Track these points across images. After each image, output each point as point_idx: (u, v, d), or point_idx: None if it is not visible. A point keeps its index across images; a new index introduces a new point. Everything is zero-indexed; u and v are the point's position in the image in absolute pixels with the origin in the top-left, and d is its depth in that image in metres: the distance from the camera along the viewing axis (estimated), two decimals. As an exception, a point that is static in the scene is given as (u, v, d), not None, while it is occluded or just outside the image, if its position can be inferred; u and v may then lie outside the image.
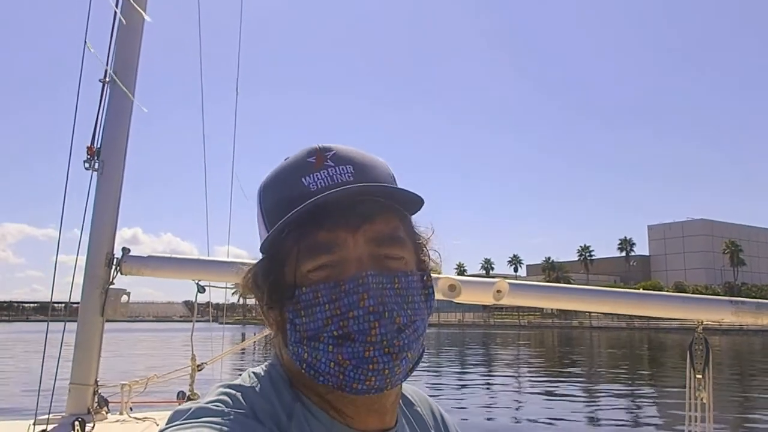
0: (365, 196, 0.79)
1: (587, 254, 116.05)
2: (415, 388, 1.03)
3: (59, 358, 2.27)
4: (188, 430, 0.70)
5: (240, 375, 0.85)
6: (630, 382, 21.58)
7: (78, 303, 2.36)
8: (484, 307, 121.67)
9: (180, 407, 0.75)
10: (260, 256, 0.84)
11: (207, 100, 2.72)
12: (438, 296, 2.27)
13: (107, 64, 2.03)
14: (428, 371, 24.74)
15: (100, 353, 2.39)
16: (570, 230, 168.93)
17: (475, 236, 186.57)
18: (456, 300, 2.33)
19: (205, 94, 2.66)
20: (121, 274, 2.32)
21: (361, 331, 0.74)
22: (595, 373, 25.27)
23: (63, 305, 2.55)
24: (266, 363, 0.87)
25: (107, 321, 2.35)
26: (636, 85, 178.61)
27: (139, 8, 2.06)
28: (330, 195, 0.76)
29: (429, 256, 0.88)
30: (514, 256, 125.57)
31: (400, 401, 0.94)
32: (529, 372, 25.75)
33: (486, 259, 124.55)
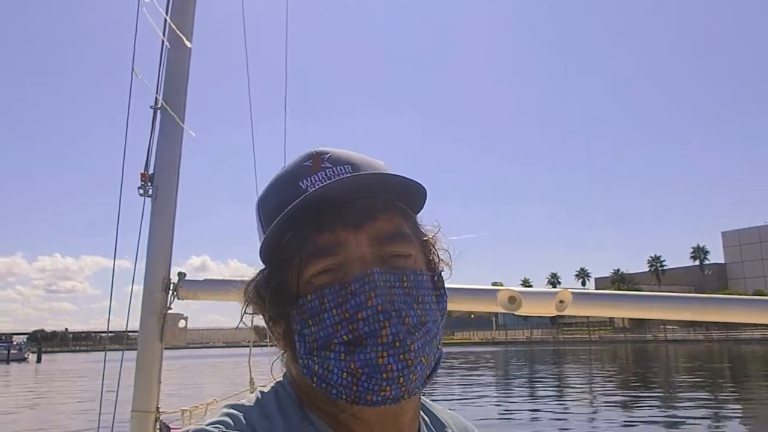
0: (364, 192, 0.75)
1: (658, 264, 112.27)
2: (454, 413, 0.97)
3: (118, 386, 2.30)
4: None
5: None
6: (713, 399, 20.49)
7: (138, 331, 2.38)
8: (553, 322, 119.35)
9: (182, 429, 0.73)
10: None
11: (257, 122, 2.74)
12: (498, 309, 2.19)
13: (156, 91, 2.06)
14: (496, 389, 24.25)
15: (160, 379, 2.40)
16: (639, 240, 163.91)
17: (539, 250, 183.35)
18: (517, 313, 2.23)
19: (254, 116, 2.68)
20: (178, 299, 2.33)
21: (372, 333, 0.70)
22: (674, 391, 24.13)
23: (125, 334, 2.59)
24: (275, 382, 0.84)
25: (171, 348, 2.37)
26: (697, 93, 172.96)
27: (181, 35, 2.08)
28: (325, 187, 0.73)
29: (438, 256, 0.83)
30: (582, 269, 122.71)
31: (428, 420, 0.89)
32: (603, 391, 24.82)
33: (552, 273, 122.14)
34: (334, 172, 0.79)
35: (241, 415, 0.75)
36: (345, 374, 0.71)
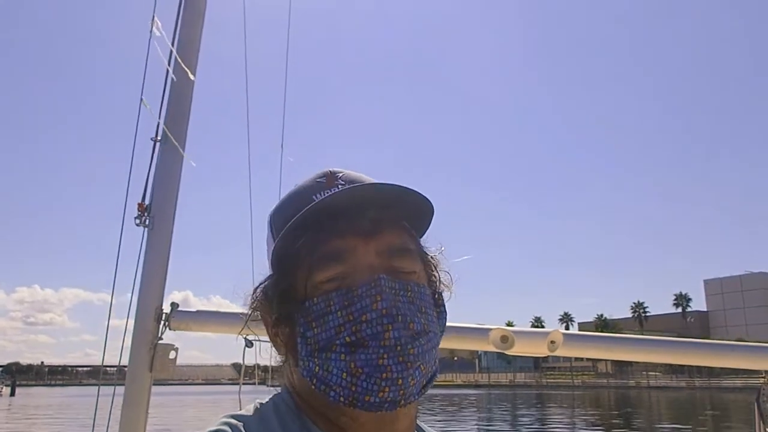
0: (375, 204, 0.78)
1: (641, 311, 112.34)
2: None
3: (108, 422, 2.27)
4: None
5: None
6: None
7: (125, 367, 2.36)
8: (536, 366, 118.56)
9: None
10: None
11: (254, 159, 2.77)
12: (490, 348, 2.20)
13: (159, 122, 2.09)
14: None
15: (147, 410, 2.37)
16: (622, 287, 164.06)
17: (523, 294, 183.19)
18: (508, 352, 2.24)
19: (252, 153, 2.71)
20: (170, 329, 2.31)
21: (375, 335, 0.71)
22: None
23: (114, 368, 2.56)
24: (275, 393, 0.85)
25: (156, 383, 2.34)
26: (684, 138, 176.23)
27: (186, 68, 2.12)
28: (337, 194, 0.76)
29: (439, 277, 0.86)
30: (565, 313, 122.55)
31: None
32: (586, 435, 24.55)
33: (536, 317, 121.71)
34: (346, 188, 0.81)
35: (240, 425, 0.76)
36: (344, 374, 0.72)
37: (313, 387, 0.75)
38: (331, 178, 0.84)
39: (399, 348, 0.71)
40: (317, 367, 0.74)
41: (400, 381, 0.71)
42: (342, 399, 0.73)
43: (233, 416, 0.78)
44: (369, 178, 0.85)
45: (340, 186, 0.82)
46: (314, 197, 0.81)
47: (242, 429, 0.75)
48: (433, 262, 0.86)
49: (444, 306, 0.84)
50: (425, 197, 0.79)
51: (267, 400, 0.83)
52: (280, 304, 0.80)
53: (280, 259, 0.81)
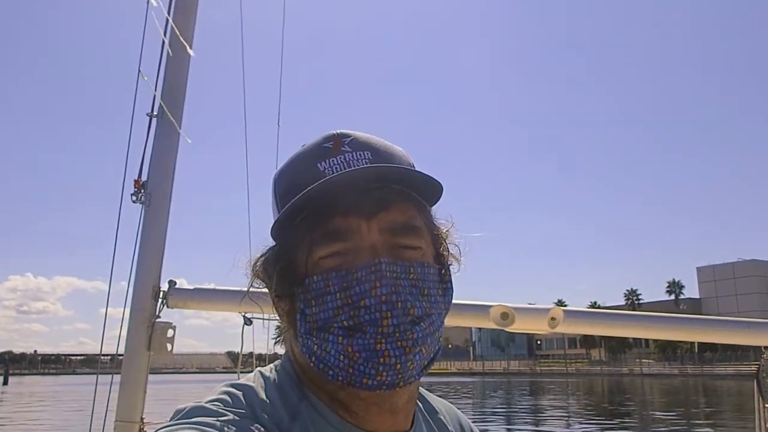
0: (380, 182, 0.76)
1: (634, 298, 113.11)
2: (446, 402, 0.99)
3: (107, 408, 2.25)
4: (178, 430, 0.67)
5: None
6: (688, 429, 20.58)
7: (122, 355, 2.34)
8: (530, 354, 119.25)
9: (180, 406, 0.72)
10: None
11: (251, 136, 2.74)
12: (490, 325, 2.19)
13: (155, 97, 2.06)
14: (472, 419, 24.08)
15: (146, 389, 2.35)
16: (616, 274, 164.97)
17: (517, 281, 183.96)
18: (509, 329, 2.23)
19: (248, 129, 2.68)
20: (168, 307, 2.30)
21: (372, 322, 0.70)
22: (649, 424, 24.17)
23: (110, 357, 2.54)
24: (277, 362, 0.85)
25: (150, 372, 2.32)
26: (677, 128, 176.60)
27: (184, 41, 2.09)
28: (343, 175, 0.74)
29: (448, 250, 0.84)
30: (559, 300, 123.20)
31: (422, 407, 0.91)
32: (581, 423, 24.77)
33: (530, 303, 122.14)
34: (353, 156, 0.79)
35: (240, 394, 0.75)
36: (342, 356, 0.72)
37: (311, 365, 0.75)
38: (338, 142, 0.81)
39: (398, 334, 0.70)
40: (316, 346, 0.74)
41: (399, 366, 0.70)
42: (341, 379, 0.73)
43: (233, 385, 0.78)
44: (379, 142, 0.83)
45: (346, 154, 0.79)
46: (319, 165, 0.79)
47: (242, 398, 0.75)
48: (443, 235, 0.84)
49: (451, 282, 0.83)
50: (434, 179, 0.77)
51: (269, 369, 0.83)
52: (280, 279, 0.79)
53: (281, 234, 0.79)
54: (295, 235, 0.78)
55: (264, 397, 0.76)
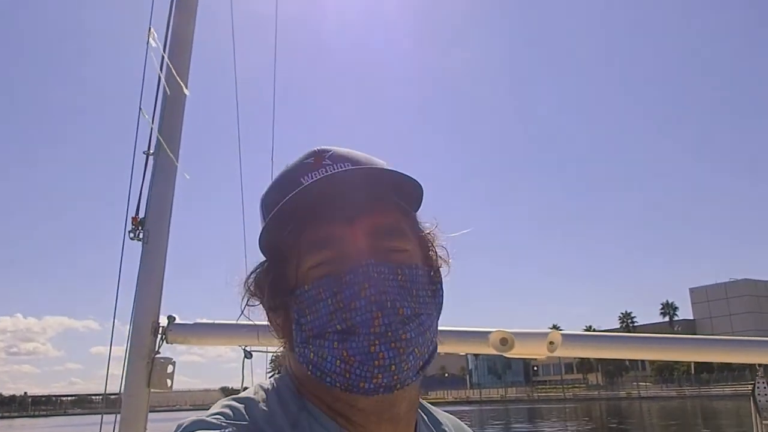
0: (361, 186, 0.78)
1: (629, 321, 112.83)
2: (451, 416, 1.00)
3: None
4: None
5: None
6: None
7: (116, 395, 2.33)
8: (527, 380, 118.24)
9: (182, 421, 0.74)
10: None
11: (245, 171, 2.77)
12: (490, 351, 2.20)
13: (152, 133, 2.09)
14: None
15: (146, 427, 2.34)
16: (610, 297, 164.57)
17: (512, 304, 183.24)
18: (507, 354, 2.24)
19: (243, 164, 2.71)
20: (167, 342, 2.29)
21: (364, 323, 0.72)
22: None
23: (103, 397, 2.52)
24: (276, 376, 0.86)
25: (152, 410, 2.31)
26: (671, 148, 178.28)
27: (180, 81, 2.13)
28: (322, 180, 0.77)
29: (436, 252, 0.86)
30: (554, 325, 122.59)
31: (426, 419, 0.92)
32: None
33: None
34: (334, 168, 0.81)
35: (241, 407, 0.77)
36: (338, 361, 0.73)
37: (309, 373, 0.76)
38: (318, 158, 0.83)
39: (390, 334, 0.71)
40: (312, 354, 0.75)
41: (393, 367, 0.71)
42: (338, 385, 0.74)
43: (235, 398, 0.79)
44: (359, 154, 0.85)
45: (327, 167, 0.81)
46: (302, 179, 0.81)
47: (243, 411, 0.76)
48: (429, 237, 0.86)
49: (441, 283, 0.84)
50: (412, 178, 0.79)
51: (269, 383, 0.84)
52: (272, 291, 0.81)
53: (268, 249, 0.81)
54: (283, 248, 0.80)
55: (265, 408, 0.77)
